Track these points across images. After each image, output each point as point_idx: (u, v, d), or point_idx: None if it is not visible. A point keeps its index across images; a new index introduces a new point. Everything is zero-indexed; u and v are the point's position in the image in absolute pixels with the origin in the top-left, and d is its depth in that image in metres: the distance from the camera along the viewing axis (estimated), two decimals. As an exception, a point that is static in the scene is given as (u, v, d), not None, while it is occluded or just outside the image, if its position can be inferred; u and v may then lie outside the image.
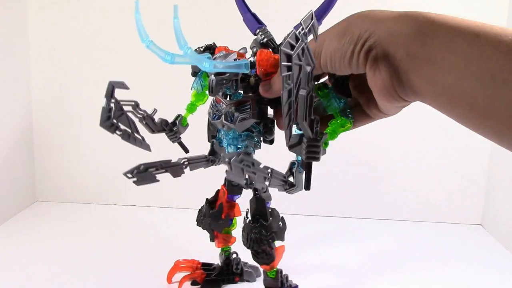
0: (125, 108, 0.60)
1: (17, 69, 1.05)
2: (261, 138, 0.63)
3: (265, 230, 0.63)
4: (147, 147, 0.63)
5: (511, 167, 0.96)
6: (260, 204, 0.65)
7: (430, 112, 1.09)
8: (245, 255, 0.76)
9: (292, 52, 0.41)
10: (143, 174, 0.61)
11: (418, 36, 0.40)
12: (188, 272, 0.74)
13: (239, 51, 0.62)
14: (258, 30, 0.63)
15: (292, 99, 0.42)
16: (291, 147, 0.52)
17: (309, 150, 0.45)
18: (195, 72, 0.66)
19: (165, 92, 1.01)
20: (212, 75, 0.55)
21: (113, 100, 0.58)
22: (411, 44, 0.40)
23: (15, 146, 1.05)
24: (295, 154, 0.57)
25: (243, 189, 0.71)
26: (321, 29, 0.62)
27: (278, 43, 0.62)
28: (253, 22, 0.64)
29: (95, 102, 1.06)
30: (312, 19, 0.41)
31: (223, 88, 0.57)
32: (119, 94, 0.59)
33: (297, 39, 0.41)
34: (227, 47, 0.62)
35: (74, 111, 1.10)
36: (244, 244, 0.65)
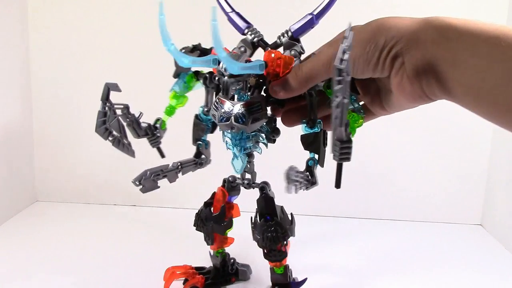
0: (117, 112, 0.60)
1: (17, 69, 1.05)
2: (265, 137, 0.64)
3: (279, 228, 0.64)
4: (132, 153, 0.62)
5: (511, 167, 0.96)
6: (269, 203, 0.66)
7: (430, 112, 1.09)
8: (236, 255, 0.76)
9: (344, 66, 0.43)
10: (148, 181, 0.62)
11: (443, 41, 0.43)
12: (184, 278, 0.73)
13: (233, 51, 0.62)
14: (247, 30, 0.63)
15: (340, 109, 0.44)
16: (308, 146, 0.57)
17: (343, 151, 0.48)
18: (178, 73, 0.65)
19: (162, 92, 1.01)
20: (226, 77, 0.56)
21: (108, 104, 0.58)
22: (437, 49, 0.44)
23: (15, 146, 1.05)
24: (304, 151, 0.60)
25: (245, 189, 0.70)
26: (318, 29, 0.62)
27: (268, 42, 0.62)
28: (240, 21, 0.63)
29: (95, 102, 1.06)
30: (351, 30, 0.44)
31: (235, 89, 0.57)
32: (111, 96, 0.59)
33: (344, 53, 0.43)
34: (226, 47, 0.62)
35: (74, 111, 1.10)
36: (258, 245, 0.65)
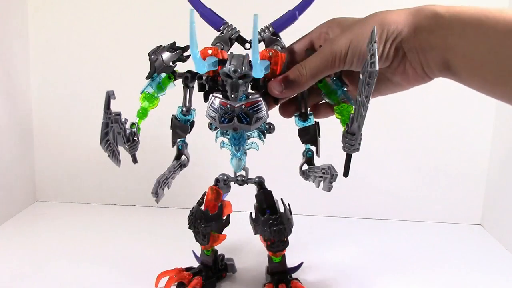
0: (113, 120, 0.59)
1: (17, 69, 1.05)
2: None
3: (284, 219, 0.65)
4: (119, 162, 0.61)
5: (511, 167, 0.96)
6: (269, 197, 0.67)
7: (430, 112, 1.08)
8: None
9: (377, 69, 0.48)
10: (160, 190, 0.62)
11: (436, 29, 0.49)
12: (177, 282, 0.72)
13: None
14: (222, 26, 0.62)
15: (364, 107, 0.50)
16: (306, 139, 0.62)
17: (355, 143, 0.54)
18: (152, 74, 0.63)
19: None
20: (234, 78, 0.56)
21: (109, 114, 0.57)
22: (432, 37, 0.50)
23: (15, 146, 1.05)
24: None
25: (239, 185, 0.71)
26: (300, 24, 0.62)
27: (247, 38, 0.63)
28: (215, 17, 0.63)
29: (95, 102, 1.06)
30: (375, 32, 0.49)
31: (242, 90, 0.58)
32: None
33: (372, 56, 0.48)
34: (216, 47, 0.61)
35: (74, 111, 1.10)
36: (266, 238, 0.66)
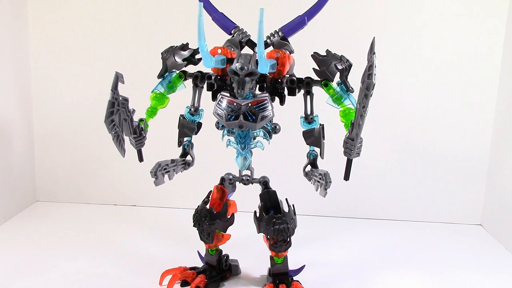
0: (121, 104, 0.59)
1: (17, 69, 1.05)
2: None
3: (288, 219, 0.66)
4: (124, 152, 0.61)
5: (511, 167, 0.96)
6: (273, 196, 0.67)
7: (429, 112, 1.08)
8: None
9: (375, 81, 0.48)
10: (160, 174, 0.63)
11: None
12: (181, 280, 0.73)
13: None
14: (233, 30, 0.64)
15: (363, 117, 0.52)
16: (310, 141, 0.63)
17: (355, 149, 0.56)
18: (163, 74, 0.65)
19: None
20: (241, 75, 0.57)
21: (115, 95, 0.58)
22: None
23: (15, 146, 1.05)
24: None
25: (244, 185, 0.71)
26: (309, 30, 0.63)
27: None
28: (227, 21, 0.65)
29: (95, 101, 1.06)
30: (374, 43, 0.49)
31: (249, 88, 0.59)
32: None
33: (371, 67, 0.48)
34: (226, 48, 0.62)
35: (74, 111, 1.10)
36: (268, 237, 0.67)
